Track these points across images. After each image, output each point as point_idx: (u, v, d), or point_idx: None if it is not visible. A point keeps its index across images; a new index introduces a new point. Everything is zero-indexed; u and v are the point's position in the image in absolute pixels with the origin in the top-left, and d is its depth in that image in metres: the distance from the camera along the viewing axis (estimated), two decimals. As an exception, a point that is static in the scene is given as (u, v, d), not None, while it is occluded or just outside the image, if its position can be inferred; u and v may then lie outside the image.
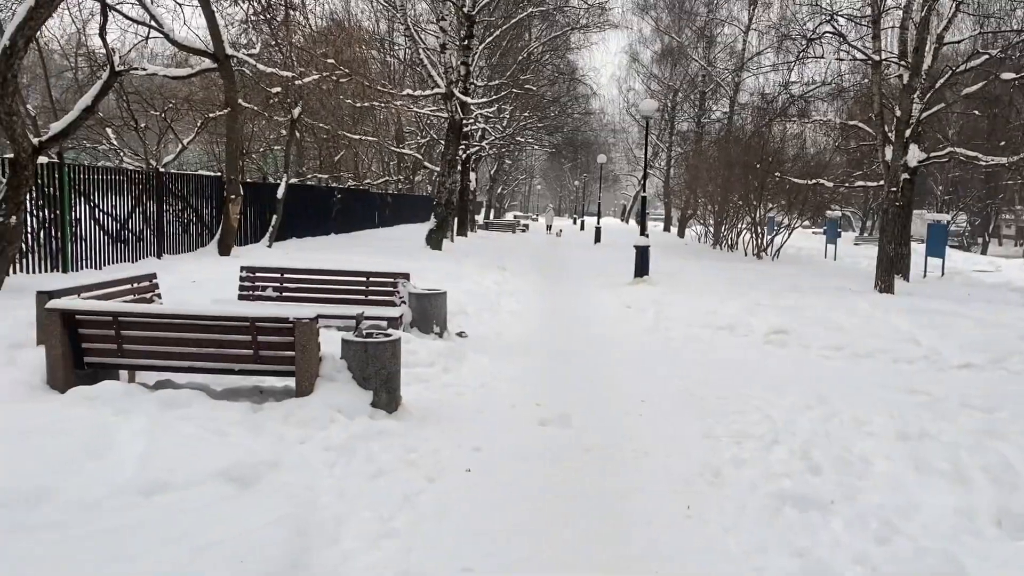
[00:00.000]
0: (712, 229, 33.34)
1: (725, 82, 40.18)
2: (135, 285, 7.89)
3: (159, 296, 8.33)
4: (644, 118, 23.44)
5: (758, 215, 27.21)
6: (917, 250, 22.26)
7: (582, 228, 55.12)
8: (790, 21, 25.13)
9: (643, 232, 19.32)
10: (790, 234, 27.44)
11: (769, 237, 27.27)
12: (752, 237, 27.56)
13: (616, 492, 5.18)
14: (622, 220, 78.37)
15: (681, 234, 42.61)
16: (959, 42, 20.43)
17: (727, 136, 35.28)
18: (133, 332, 6.30)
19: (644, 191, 21.94)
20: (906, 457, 5.73)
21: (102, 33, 12.63)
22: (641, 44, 48.91)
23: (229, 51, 17.43)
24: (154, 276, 8.33)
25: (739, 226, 29.44)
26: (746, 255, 27.43)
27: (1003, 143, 23.35)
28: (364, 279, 10.21)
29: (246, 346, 6.33)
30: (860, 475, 5.43)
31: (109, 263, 14.45)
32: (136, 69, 15.24)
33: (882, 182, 19.13)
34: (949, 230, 25.79)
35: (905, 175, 17.16)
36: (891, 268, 16.68)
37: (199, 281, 12.75)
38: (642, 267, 17.43)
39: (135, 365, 6.50)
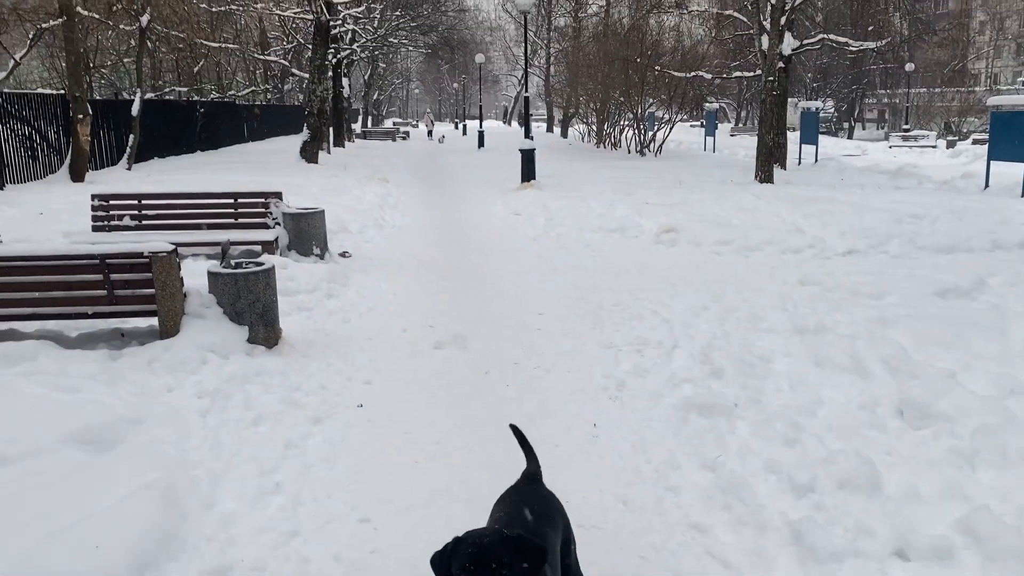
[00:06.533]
0: (595, 127, 33.10)
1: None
2: (-38, 224, 6.94)
3: (-6, 235, 7.40)
4: (521, 13, 22.64)
5: (639, 111, 27.05)
6: (791, 138, 22.68)
7: (464, 132, 53.29)
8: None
9: (527, 134, 18.84)
10: (671, 129, 27.40)
11: (651, 133, 27.23)
12: (635, 134, 27.46)
13: (518, 418, 4.91)
14: (504, 123, 77.26)
15: (564, 134, 42.23)
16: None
17: (605, 30, 34.71)
18: (-41, 280, 5.50)
19: (526, 91, 21.35)
20: (805, 352, 5.69)
21: None
22: (513, -64, 47.19)
23: (57, -49, 15.54)
24: (-15, 212, 7.37)
25: (621, 123, 29.28)
26: (629, 152, 27.38)
27: (870, 28, 23.85)
28: (232, 201, 9.42)
29: (98, 286, 5.64)
30: (762, 375, 5.34)
31: (-60, 198, 12.97)
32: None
33: (758, 72, 19.23)
34: (820, 117, 26.35)
35: (781, 64, 17.16)
36: (770, 158, 16.87)
37: (48, 212, 11.60)
38: (528, 171, 16.98)
39: (-33, 317, 5.72)
